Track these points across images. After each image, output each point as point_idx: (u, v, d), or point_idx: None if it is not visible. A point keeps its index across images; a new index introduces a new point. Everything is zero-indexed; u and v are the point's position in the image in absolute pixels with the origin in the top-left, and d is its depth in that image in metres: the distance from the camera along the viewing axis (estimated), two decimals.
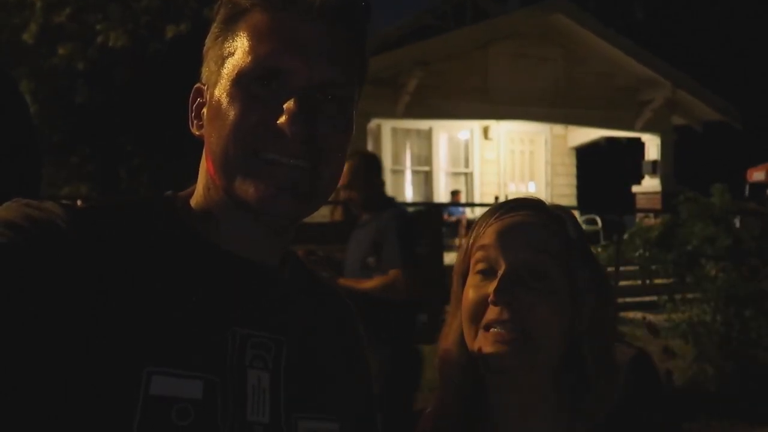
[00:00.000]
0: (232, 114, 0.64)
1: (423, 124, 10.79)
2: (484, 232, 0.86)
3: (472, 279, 0.85)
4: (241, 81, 0.64)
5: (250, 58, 0.64)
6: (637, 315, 6.41)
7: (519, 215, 0.85)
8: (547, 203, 0.90)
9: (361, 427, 0.79)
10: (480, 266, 0.84)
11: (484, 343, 0.81)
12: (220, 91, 0.65)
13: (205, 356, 0.62)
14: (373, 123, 9.40)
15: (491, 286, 0.81)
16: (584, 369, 0.82)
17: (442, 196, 11.09)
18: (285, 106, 0.63)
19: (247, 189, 0.64)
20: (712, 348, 4.87)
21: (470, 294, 0.84)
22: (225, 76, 0.65)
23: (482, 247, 0.85)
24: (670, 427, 0.87)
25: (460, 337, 0.86)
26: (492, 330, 0.80)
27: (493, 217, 0.86)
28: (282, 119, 0.63)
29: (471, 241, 0.88)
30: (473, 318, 0.83)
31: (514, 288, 0.80)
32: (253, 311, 0.68)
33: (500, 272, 0.82)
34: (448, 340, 0.88)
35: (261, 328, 0.67)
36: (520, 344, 0.79)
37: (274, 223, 0.68)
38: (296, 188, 0.64)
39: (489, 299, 0.81)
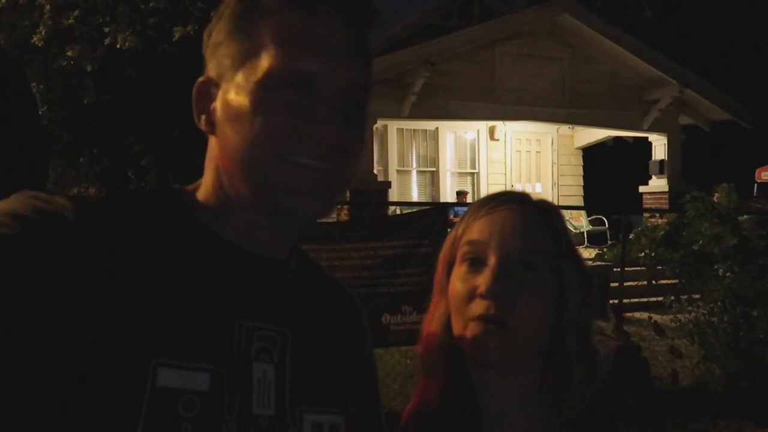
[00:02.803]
0: (258, 116, 0.63)
1: (429, 125, 10.77)
2: (473, 225, 0.87)
3: (459, 270, 0.86)
4: (268, 84, 0.63)
5: (278, 60, 0.63)
6: (644, 315, 6.38)
7: (508, 209, 0.86)
8: (533, 197, 0.91)
9: (365, 421, 0.80)
10: (468, 258, 0.85)
11: (472, 335, 0.82)
12: (243, 92, 0.64)
13: (211, 349, 0.62)
14: (380, 123, 9.40)
15: (479, 279, 0.82)
16: (568, 360, 0.83)
17: (448, 196, 11.06)
18: (316, 110, 0.63)
19: (274, 191, 0.64)
20: (719, 348, 4.84)
21: (458, 285, 0.85)
22: (247, 76, 0.64)
23: (471, 236, 0.86)
24: (650, 416, 0.89)
25: (444, 326, 0.87)
26: (479, 323, 0.81)
27: (484, 209, 0.87)
28: (313, 123, 0.63)
29: (460, 231, 0.89)
30: (461, 310, 0.84)
31: (503, 282, 0.81)
32: (260, 304, 0.68)
33: (490, 266, 0.82)
34: (431, 329, 0.89)
35: (267, 321, 0.68)
36: (505, 337, 0.81)
37: (296, 223, 0.69)
38: (322, 191, 0.65)
39: (478, 292, 0.82)
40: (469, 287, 0.83)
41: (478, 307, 0.81)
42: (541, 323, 0.83)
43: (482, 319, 0.81)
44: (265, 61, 0.64)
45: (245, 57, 0.65)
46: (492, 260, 0.83)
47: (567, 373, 0.83)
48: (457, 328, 0.85)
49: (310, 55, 0.64)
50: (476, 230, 0.86)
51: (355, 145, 0.67)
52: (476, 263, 0.84)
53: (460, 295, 0.84)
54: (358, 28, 0.67)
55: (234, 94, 0.65)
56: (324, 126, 0.63)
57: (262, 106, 0.63)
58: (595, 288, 0.88)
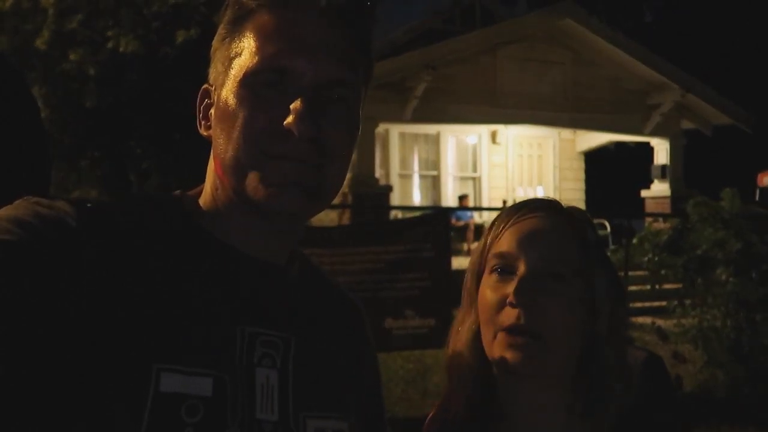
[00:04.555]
0: (239, 114, 0.64)
1: (431, 129, 10.79)
2: (502, 233, 0.86)
3: (489, 279, 0.85)
4: (248, 81, 0.64)
5: (256, 58, 0.64)
6: (647, 320, 6.37)
7: (538, 217, 0.85)
8: (562, 205, 0.89)
9: (369, 426, 0.79)
10: (498, 267, 0.84)
11: (502, 345, 0.81)
12: (228, 92, 0.66)
13: (214, 354, 0.62)
14: (381, 127, 9.41)
15: (509, 287, 0.81)
16: (600, 372, 0.82)
17: (450, 200, 11.08)
18: (291, 106, 0.63)
19: (254, 187, 0.64)
20: (722, 353, 4.83)
21: (488, 295, 0.84)
22: (232, 77, 0.66)
23: (500, 248, 0.85)
24: (681, 430, 0.86)
25: (473, 337, 0.86)
26: (510, 333, 0.80)
27: (513, 218, 0.86)
28: (289, 119, 0.63)
29: (489, 240, 0.88)
30: (491, 319, 0.83)
31: (533, 291, 0.80)
32: (262, 309, 0.68)
33: (519, 274, 0.82)
34: (460, 339, 0.88)
35: (269, 327, 0.68)
36: (536, 348, 0.80)
37: (281, 221, 0.68)
38: (303, 186, 0.65)
39: (508, 301, 0.81)
40: (498, 296, 0.82)
41: (508, 316, 0.81)
42: (572, 334, 0.82)
43: (512, 328, 0.80)
44: (245, 60, 0.65)
45: (232, 58, 0.67)
46: (521, 270, 0.82)
47: (600, 387, 0.81)
48: (486, 338, 0.84)
49: (284, 50, 0.64)
50: (505, 240, 0.85)
51: (337, 141, 0.66)
52: (506, 273, 0.83)
53: (489, 305, 0.83)
54: (341, 27, 0.67)
55: (222, 95, 0.67)
56: (299, 121, 0.63)
57: (242, 104, 0.65)
58: (626, 299, 0.86)
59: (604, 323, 0.83)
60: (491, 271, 0.85)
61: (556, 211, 0.87)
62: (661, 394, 0.85)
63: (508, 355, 0.80)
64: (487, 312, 0.83)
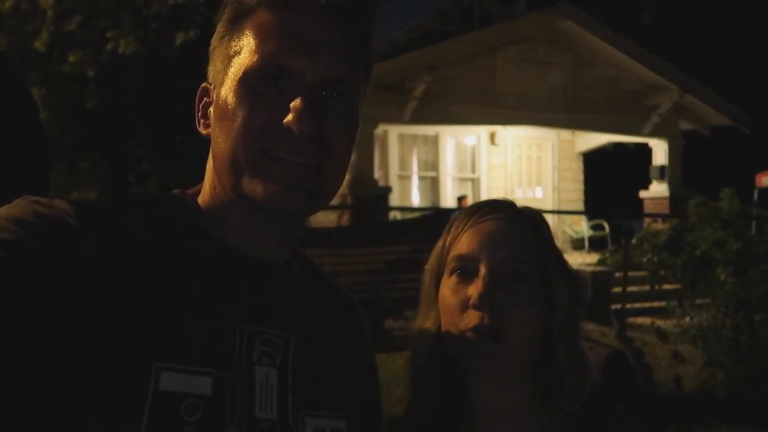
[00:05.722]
0: (239, 113, 0.64)
1: (430, 130, 10.79)
2: (461, 235, 0.87)
3: (449, 281, 0.85)
4: (248, 80, 0.64)
5: (256, 57, 0.64)
6: (647, 320, 6.37)
7: (497, 218, 0.86)
8: (518, 205, 0.91)
9: (367, 426, 0.79)
10: (458, 269, 0.85)
11: (465, 346, 0.81)
12: (227, 91, 0.66)
13: (213, 352, 0.62)
14: (381, 129, 9.41)
15: (471, 289, 0.82)
16: (557, 366, 0.84)
17: (449, 201, 11.07)
18: (291, 104, 0.63)
19: (254, 187, 0.64)
20: (721, 353, 4.84)
21: (450, 297, 0.84)
22: (231, 75, 0.66)
23: (460, 250, 0.85)
24: (640, 421, 0.89)
25: (435, 337, 0.86)
26: (474, 334, 0.81)
27: (472, 220, 0.87)
28: (289, 117, 0.63)
29: (447, 242, 0.88)
30: (453, 321, 0.83)
31: (494, 292, 0.81)
32: (261, 308, 0.68)
33: (481, 276, 0.82)
34: (421, 339, 0.88)
35: (269, 326, 0.68)
36: (500, 347, 0.81)
37: (281, 221, 0.68)
38: (303, 185, 0.65)
39: (471, 303, 0.81)
40: (461, 298, 0.83)
41: (472, 317, 0.81)
42: (532, 331, 0.83)
43: (477, 329, 0.81)
44: (244, 58, 0.65)
45: (232, 57, 0.67)
46: (483, 271, 0.83)
47: (557, 381, 0.83)
48: (450, 339, 0.84)
49: (284, 49, 0.64)
50: (464, 242, 0.86)
51: (337, 140, 0.66)
52: (466, 274, 0.84)
53: (452, 307, 0.84)
54: (341, 26, 0.67)
55: (221, 94, 0.67)
56: (300, 120, 0.62)
57: (241, 103, 0.64)
58: (582, 294, 0.88)
59: (561, 320, 0.85)
60: (451, 273, 0.85)
61: (514, 212, 0.88)
62: (620, 388, 0.88)
63: (474, 355, 0.81)
64: (450, 314, 0.84)
